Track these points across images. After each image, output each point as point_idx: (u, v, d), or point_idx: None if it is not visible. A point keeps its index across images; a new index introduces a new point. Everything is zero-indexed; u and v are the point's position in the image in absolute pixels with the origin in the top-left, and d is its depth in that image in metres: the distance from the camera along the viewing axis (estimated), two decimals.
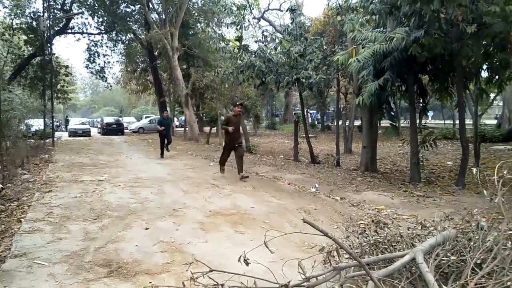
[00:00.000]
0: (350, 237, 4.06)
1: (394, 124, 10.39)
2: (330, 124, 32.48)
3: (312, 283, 2.82)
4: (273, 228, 4.84)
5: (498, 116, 26.19)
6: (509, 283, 2.48)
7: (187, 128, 23.95)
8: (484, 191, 3.29)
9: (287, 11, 12.94)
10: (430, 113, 30.74)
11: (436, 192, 7.49)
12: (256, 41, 20.80)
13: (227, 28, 25.89)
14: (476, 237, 3.01)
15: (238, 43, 15.11)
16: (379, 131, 11.27)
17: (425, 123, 24.17)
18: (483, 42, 7.72)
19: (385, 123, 10.79)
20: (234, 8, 14.79)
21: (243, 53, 13.47)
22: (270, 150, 17.27)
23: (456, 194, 7.15)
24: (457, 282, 2.68)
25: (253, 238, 4.53)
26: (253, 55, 12.96)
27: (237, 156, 9.04)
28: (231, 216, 5.61)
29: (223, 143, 10.16)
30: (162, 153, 13.52)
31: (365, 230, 4.32)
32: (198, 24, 25.86)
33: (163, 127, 13.33)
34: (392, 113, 10.34)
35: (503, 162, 10.12)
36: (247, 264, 2.72)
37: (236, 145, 8.98)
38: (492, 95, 13.16)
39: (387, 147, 16.65)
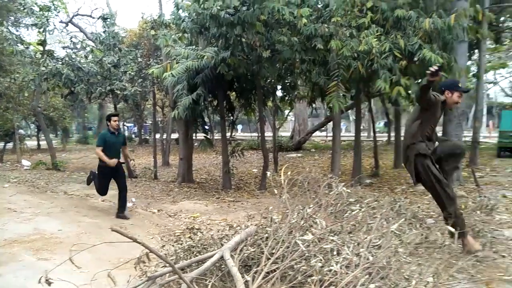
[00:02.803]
0: (166, 246, 4.18)
1: (208, 136, 11.14)
2: (148, 137, 32.02)
3: None
4: (85, 248, 4.53)
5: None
6: (292, 262, 3.05)
7: None
8: (275, 191, 3.93)
9: (99, 18, 12.33)
10: (240, 126, 33.90)
11: (244, 196, 8.38)
12: (63, 47, 18.93)
13: (27, 29, 22.64)
14: (270, 230, 3.57)
15: (41, 48, 13.44)
16: (195, 144, 11.86)
17: (235, 135, 26.57)
18: (277, 66, 9.14)
19: (201, 135, 11.43)
20: (36, 9, 13.08)
21: (48, 59, 12.11)
22: (82, 167, 15.83)
23: (260, 197, 8.19)
24: (255, 269, 3.12)
25: (60, 263, 4.13)
26: (60, 62, 11.83)
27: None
28: (32, 242, 4.95)
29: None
30: (121, 212, 6.50)
31: (180, 238, 4.53)
32: None
33: (108, 160, 6.36)
34: (206, 126, 11.06)
35: (286, 166, 12.17)
36: (49, 284, 2.51)
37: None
38: (286, 111, 15.59)
39: (203, 158, 17.55)
